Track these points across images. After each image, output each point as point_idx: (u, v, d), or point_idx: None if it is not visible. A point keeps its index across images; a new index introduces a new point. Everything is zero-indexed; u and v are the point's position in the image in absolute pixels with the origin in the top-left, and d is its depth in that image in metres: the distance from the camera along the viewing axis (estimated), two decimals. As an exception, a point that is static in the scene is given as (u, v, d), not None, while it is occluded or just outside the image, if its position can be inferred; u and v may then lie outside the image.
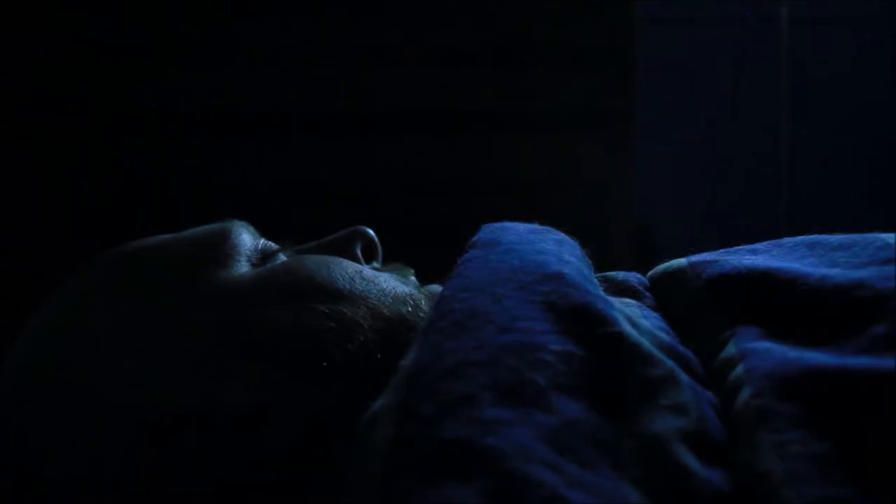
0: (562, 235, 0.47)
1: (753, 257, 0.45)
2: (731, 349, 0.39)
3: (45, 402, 0.43)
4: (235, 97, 1.18)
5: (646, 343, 0.37)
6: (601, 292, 0.41)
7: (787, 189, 1.92)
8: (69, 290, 0.48)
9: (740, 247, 0.47)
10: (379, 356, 0.43)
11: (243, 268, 0.47)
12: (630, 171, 1.19)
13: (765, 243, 0.47)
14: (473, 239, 0.46)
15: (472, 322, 0.37)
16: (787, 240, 0.47)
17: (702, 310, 0.43)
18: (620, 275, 0.49)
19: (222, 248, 0.47)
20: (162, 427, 0.41)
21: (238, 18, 1.20)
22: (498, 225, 0.48)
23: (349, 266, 0.48)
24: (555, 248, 0.44)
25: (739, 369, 0.37)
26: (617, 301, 0.43)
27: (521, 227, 0.47)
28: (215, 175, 1.14)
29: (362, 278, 0.47)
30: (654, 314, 0.44)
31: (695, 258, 0.46)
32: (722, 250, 0.47)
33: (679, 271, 0.46)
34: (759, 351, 0.37)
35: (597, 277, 0.46)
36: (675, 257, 0.50)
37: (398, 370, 0.37)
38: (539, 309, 0.38)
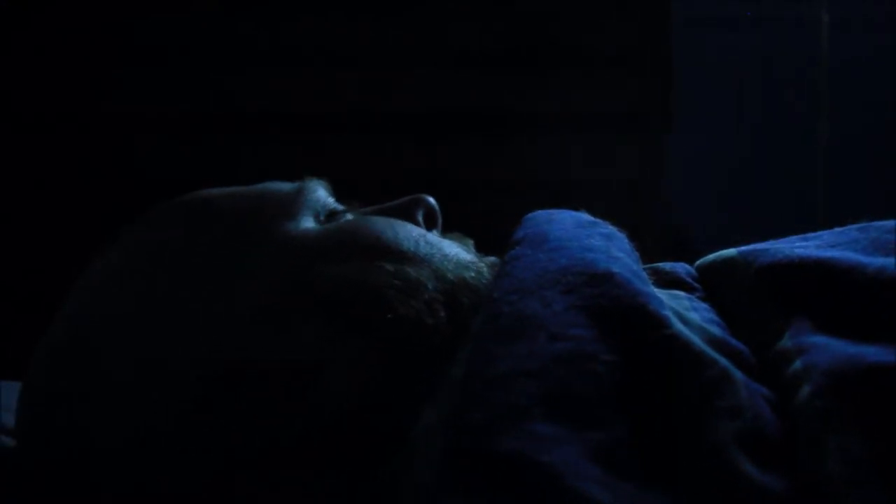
0: (610, 229, 0.46)
1: (805, 244, 0.44)
2: (786, 342, 0.38)
3: (101, 353, 0.44)
4: (256, 97, 1.19)
5: (697, 341, 0.37)
6: (651, 289, 0.40)
7: (824, 190, 1.89)
8: (130, 238, 0.48)
9: (790, 237, 0.46)
10: (443, 315, 0.44)
11: (310, 223, 0.47)
12: (664, 171, 1.18)
13: (814, 233, 0.46)
14: (520, 234, 0.46)
15: (523, 328, 0.37)
16: (836, 229, 0.46)
17: (753, 300, 0.42)
18: (668, 266, 0.48)
19: (292, 202, 0.48)
20: (220, 377, 0.42)
21: (257, 19, 1.20)
22: (545, 216, 0.47)
23: (414, 229, 0.48)
24: (603, 244, 0.43)
25: (797, 364, 0.36)
26: (666, 295, 0.42)
27: (569, 219, 0.47)
28: (233, 175, 1.15)
29: (427, 242, 0.47)
30: (704, 305, 0.43)
31: (744, 248, 0.46)
32: (771, 241, 0.46)
33: (729, 261, 0.46)
34: (818, 346, 0.37)
35: (645, 269, 0.45)
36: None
37: (449, 378, 0.36)
38: (589, 314, 0.37)
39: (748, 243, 0.49)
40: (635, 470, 0.32)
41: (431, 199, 0.53)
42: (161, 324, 0.44)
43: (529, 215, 0.49)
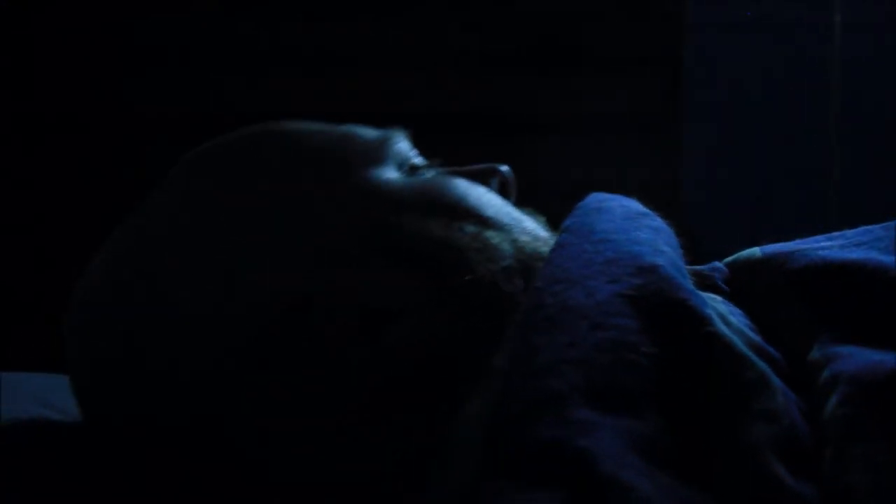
0: (658, 222, 0.46)
1: (830, 244, 0.44)
2: (815, 353, 0.38)
3: (174, 278, 0.44)
4: (275, 101, 1.19)
5: (739, 342, 0.36)
6: (693, 287, 0.40)
7: (837, 195, 1.89)
8: (207, 162, 0.48)
9: (816, 237, 0.46)
10: (518, 283, 0.44)
11: (393, 173, 0.47)
12: (677, 175, 1.18)
13: (839, 232, 0.46)
14: (568, 222, 0.46)
15: (565, 317, 0.37)
16: (861, 228, 0.45)
17: (783, 308, 0.42)
18: (707, 269, 0.48)
19: (378, 150, 0.48)
20: (294, 309, 0.42)
21: (258, 21, 1.20)
22: (594, 205, 0.47)
23: (496, 198, 0.49)
24: (650, 237, 0.43)
25: (826, 374, 0.36)
26: (707, 296, 0.42)
27: (618, 209, 0.46)
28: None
29: (508, 212, 0.48)
30: (738, 311, 0.43)
31: (769, 249, 0.46)
32: (795, 241, 0.46)
33: (755, 263, 0.46)
34: (843, 355, 0.37)
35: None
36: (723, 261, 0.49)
37: (492, 367, 0.37)
38: (632, 305, 0.37)
39: (761, 242, 0.48)
40: (671, 462, 0.32)
41: (507, 170, 0.53)
42: (240, 250, 0.44)
43: (581, 202, 0.49)
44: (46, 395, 0.58)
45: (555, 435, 0.32)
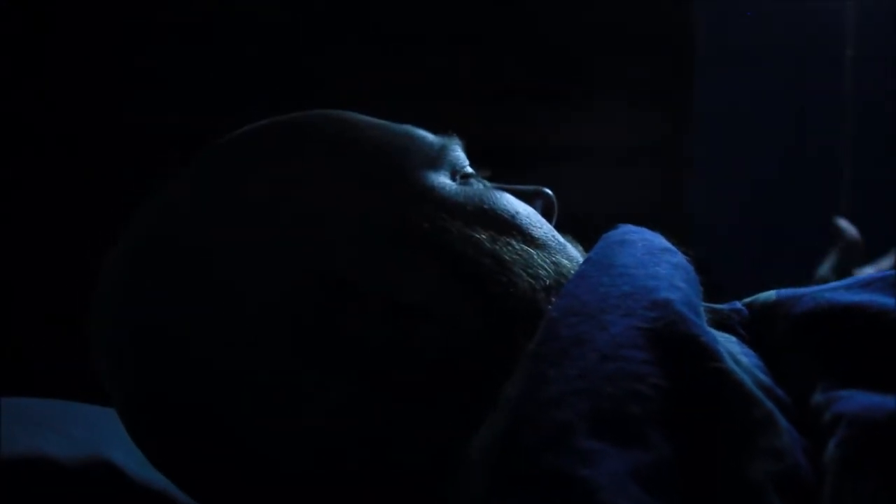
0: (679, 258, 0.46)
1: (840, 286, 0.44)
2: (818, 396, 0.38)
3: (214, 254, 0.44)
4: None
5: (748, 381, 0.37)
6: (705, 324, 0.40)
7: (849, 223, 1.88)
8: (265, 137, 0.48)
9: (844, 280, 0.46)
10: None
11: (447, 179, 0.48)
12: (685, 203, 1.18)
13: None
14: (590, 254, 0.47)
15: (577, 350, 0.37)
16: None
17: (790, 351, 0.42)
18: (726, 308, 0.48)
19: (437, 154, 0.49)
20: (329, 291, 0.43)
21: (285, 49, 1.21)
22: (617, 238, 0.48)
23: (544, 221, 0.50)
24: (668, 273, 0.43)
25: (827, 415, 0.37)
26: (720, 335, 0.43)
27: (640, 244, 0.47)
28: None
29: (554, 236, 0.49)
30: (751, 352, 0.43)
31: (783, 292, 0.46)
32: (817, 287, 0.46)
33: (770, 306, 0.46)
34: (844, 398, 0.37)
35: (704, 307, 0.45)
36: (733, 293, 0.49)
37: (503, 397, 0.37)
38: (643, 336, 0.37)
39: (771, 275, 0.48)
40: (673, 493, 0.32)
41: (552, 194, 0.54)
42: (287, 226, 0.44)
43: (606, 234, 0.49)
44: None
45: (558, 464, 0.32)
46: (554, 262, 0.47)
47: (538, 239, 0.48)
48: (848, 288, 0.44)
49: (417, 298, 0.43)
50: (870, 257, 1.13)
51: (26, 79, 1.21)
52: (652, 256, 0.45)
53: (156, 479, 0.55)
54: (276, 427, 0.43)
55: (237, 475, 0.45)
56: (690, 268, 0.46)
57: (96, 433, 0.60)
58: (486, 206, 0.48)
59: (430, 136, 0.51)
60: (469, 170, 0.50)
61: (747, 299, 0.49)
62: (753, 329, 0.47)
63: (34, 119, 1.22)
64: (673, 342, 0.37)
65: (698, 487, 0.33)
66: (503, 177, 0.54)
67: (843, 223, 0.96)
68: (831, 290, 0.44)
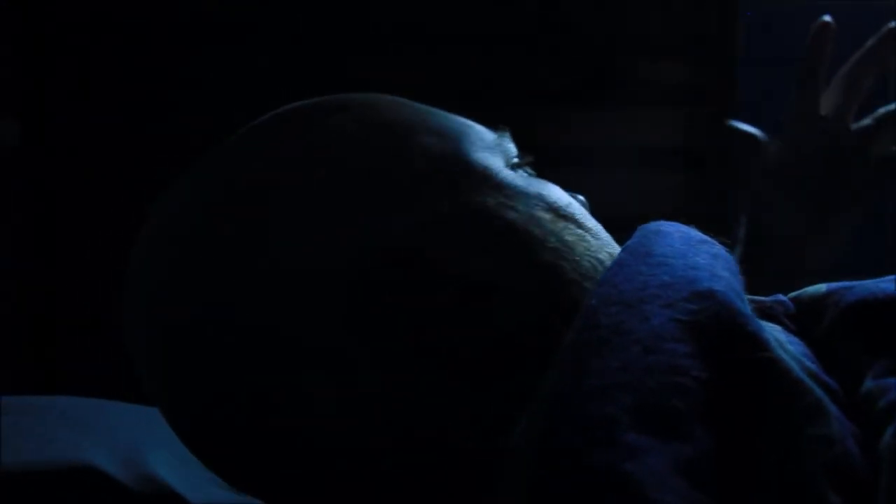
0: (718, 248, 0.46)
1: (893, 277, 0.44)
2: (869, 383, 0.38)
3: (271, 226, 0.44)
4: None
5: (796, 368, 0.36)
6: (751, 311, 0.40)
7: (891, 227, 1.85)
8: (330, 111, 0.49)
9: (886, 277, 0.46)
10: None
11: (504, 165, 0.48)
12: (726, 208, 1.17)
13: None
14: (626, 243, 0.47)
15: (618, 340, 0.37)
16: None
17: (840, 339, 0.42)
18: (769, 300, 0.48)
19: (494, 142, 0.49)
20: (396, 262, 0.42)
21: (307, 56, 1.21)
22: (653, 228, 0.48)
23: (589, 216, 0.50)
24: (708, 263, 0.43)
25: (881, 404, 0.36)
26: (765, 324, 0.42)
27: (676, 235, 0.47)
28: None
29: (601, 229, 0.49)
30: (797, 340, 0.43)
31: (834, 285, 0.46)
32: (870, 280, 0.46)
33: (820, 298, 0.46)
34: (894, 385, 0.36)
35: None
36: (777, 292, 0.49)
37: (541, 388, 0.37)
38: (685, 329, 0.37)
39: (813, 281, 0.48)
40: (718, 486, 0.32)
41: (584, 200, 0.54)
42: (346, 199, 0.44)
43: (641, 226, 0.49)
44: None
45: (602, 459, 0.32)
46: (608, 253, 0.47)
47: (593, 229, 0.48)
48: None
49: (482, 275, 0.43)
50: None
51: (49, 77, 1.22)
52: (690, 247, 0.45)
53: (194, 479, 0.56)
54: (329, 408, 0.43)
55: (290, 462, 0.44)
56: (731, 258, 0.46)
57: (136, 432, 0.60)
58: (542, 192, 0.48)
59: (486, 130, 0.51)
60: (518, 160, 0.51)
61: (793, 294, 0.49)
62: (800, 321, 0.46)
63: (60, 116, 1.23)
64: (717, 334, 0.37)
65: (744, 479, 0.33)
66: (547, 179, 0.54)
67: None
68: (887, 282, 0.44)
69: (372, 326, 0.42)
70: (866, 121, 0.83)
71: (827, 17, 0.84)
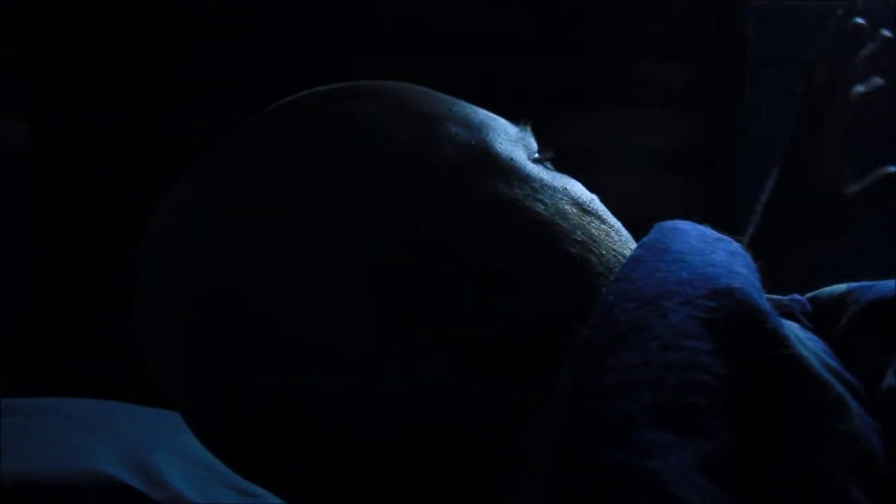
0: (735, 246, 0.46)
1: None
2: (890, 378, 0.38)
3: (293, 216, 0.44)
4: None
5: (816, 364, 0.36)
6: (770, 307, 0.39)
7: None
8: (355, 98, 0.48)
9: None
10: None
11: (527, 158, 0.48)
12: (736, 211, 1.17)
13: None
14: (643, 240, 0.46)
15: (637, 337, 0.37)
16: None
17: (859, 336, 0.42)
18: (786, 299, 0.47)
19: (518, 136, 0.50)
20: (418, 251, 0.42)
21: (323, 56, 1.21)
22: (670, 226, 0.47)
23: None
24: (725, 260, 0.43)
25: None
26: (784, 321, 0.42)
27: (692, 232, 0.46)
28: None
29: (623, 227, 0.49)
30: (815, 337, 0.43)
31: (854, 284, 0.45)
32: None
33: (840, 296, 0.45)
34: None
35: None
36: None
37: (558, 385, 0.36)
38: (704, 326, 0.37)
39: (825, 284, 0.48)
40: (741, 484, 0.32)
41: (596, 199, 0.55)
42: (375, 189, 0.44)
43: (657, 223, 0.49)
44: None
45: (623, 456, 0.32)
46: (631, 249, 0.47)
47: (614, 225, 0.49)
48: None
49: (507, 267, 0.43)
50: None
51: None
52: (707, 244, 0.45)
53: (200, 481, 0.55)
54: (350, 405, 0.42)
55: (313, 460, 0.44)
56: (748, 255, 0.46)
57: (142, 434, 0.60)
58: (567, 186, 0.48)
59: (509, 123, 0.51)
60: (538, 156, 0.51)
61: (811, 293, 0.49)
62: (817, 320, 0.46)
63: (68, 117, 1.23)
64: (737, 331, 0.37)
65: (766, 475, 0.33)
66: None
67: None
68: None
69: (394, 320, 0.42)
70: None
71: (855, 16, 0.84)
